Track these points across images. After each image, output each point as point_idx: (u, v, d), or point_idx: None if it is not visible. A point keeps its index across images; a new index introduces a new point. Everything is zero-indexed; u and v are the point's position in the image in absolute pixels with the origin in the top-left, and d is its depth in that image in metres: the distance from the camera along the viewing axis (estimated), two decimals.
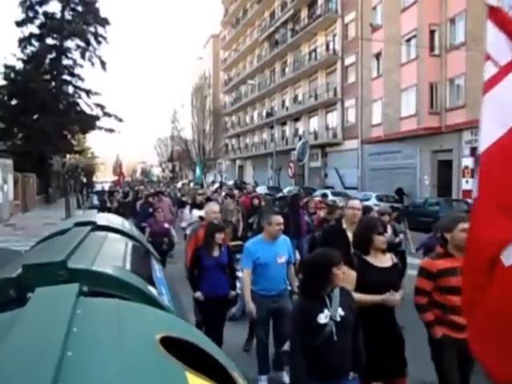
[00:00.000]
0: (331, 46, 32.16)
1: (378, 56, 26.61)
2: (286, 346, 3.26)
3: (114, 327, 0.90)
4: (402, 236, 7.67)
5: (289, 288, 4.84)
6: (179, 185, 34.10)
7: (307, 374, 2.76)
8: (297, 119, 37.97)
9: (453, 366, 3.28)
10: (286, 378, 4.42)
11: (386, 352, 3.27)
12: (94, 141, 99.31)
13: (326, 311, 2.81)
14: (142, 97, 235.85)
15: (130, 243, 2.05)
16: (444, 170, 22.70)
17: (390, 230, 6.53)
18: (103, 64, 33.36)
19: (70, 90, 33.44)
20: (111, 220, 2.60)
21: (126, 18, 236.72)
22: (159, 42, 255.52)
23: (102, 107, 33.43)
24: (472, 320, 2.55)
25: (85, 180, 42.70)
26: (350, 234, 4.40)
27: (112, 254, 1.69)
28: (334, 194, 24.46)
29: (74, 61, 32.93)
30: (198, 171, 30.57)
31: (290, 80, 37.60)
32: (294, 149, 25.75)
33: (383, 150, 26.69)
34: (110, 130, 34.07)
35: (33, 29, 31.53)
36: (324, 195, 17.04)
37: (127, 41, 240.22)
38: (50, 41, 31.94)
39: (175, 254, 9.82)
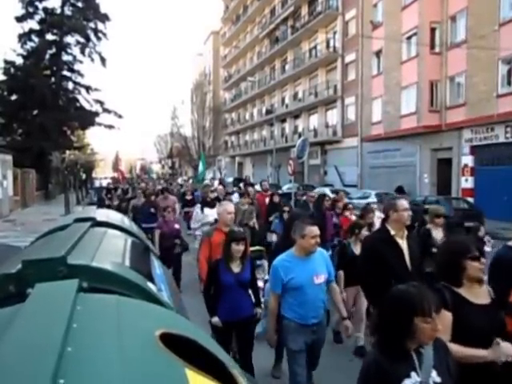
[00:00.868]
0: (331, 44, 32.09)
1: (378, 54, 26.57)
2: None
3: (114, 323, 0.90)
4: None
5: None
6: (179, 181, 33.99)
7: None
8: (296, 116, 37.93)
9: None
10: None
11: None
12: (93, 137, 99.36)
13: (414, 375, 1.99)
14: (142, 93, 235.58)
15: (130, 239, 2.05)
16: (444, 169, 22.71)
17: (440, 235, 5.74)
18: (103, 60, 33.33)
19: (70, 85, 33.44)
20: (111, 216, 2.60)
21: (126, 14, 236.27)
22: (159, 39, 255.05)
23: (101, 103, 33.41)
24: None
25: (84, 176, 42.65)
26: (399, 241, 3.92)
27: (111, 250, 1.69)
28: (334, 191, 24.46)
29: (74, 57, 32.93)
30: (200, 167, 30.20)
31: (290, 77, 37.55)
32: (293, 146, 25.73)
33: (383, 148, 26.68)
34: (110, 127, 34.03)
35: (33, 24, 31.53)
36: (336, 192, 16.25)
37: (127, 37, 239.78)
38: (49, 36, 31.92)
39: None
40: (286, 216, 7.27)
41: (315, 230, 3.68)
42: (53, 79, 32.23)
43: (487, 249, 6.36)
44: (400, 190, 21.51)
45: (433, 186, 23.51)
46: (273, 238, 7.17)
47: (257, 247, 5.95)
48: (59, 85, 32.05)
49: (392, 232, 3.96)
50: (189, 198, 14.12)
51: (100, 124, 33.81)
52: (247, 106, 49.15)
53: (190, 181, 31.33)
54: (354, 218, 7.91)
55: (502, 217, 16.18)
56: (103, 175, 72.22)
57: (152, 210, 10.52)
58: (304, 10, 35.24)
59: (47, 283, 1.08)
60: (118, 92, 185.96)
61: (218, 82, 57.06)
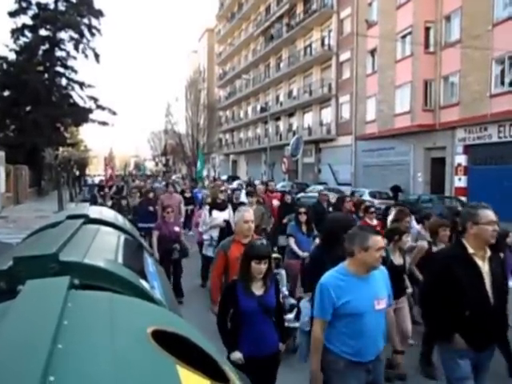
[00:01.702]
0: (326, 42, 32.15)
1: (372, 52, 26.63)
2: None
3: (105, 320, 0.90)
4: None
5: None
6: (174, 178, 33.84)
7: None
8: (291, 114, 37.97)
9: None
10: None
11: None
12: (87, 134, 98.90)
13: None
14: (136, 90, 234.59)
15: (123, 236, 2.05)
16: (437, 168, 22.84)
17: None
18: (97, 56, 33.13)
19: (63, 82, 33.21)
20: (104, 213, 2.59)
21: (121, 10, 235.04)
22: (154, 35, 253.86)
23: (95, 100, 33.23)
24: None
25: (77, 173, 42.43)
26: (479, 263, 3.14)
27: (104, 247, 1.69)
28: (328, 189, 24.54)
29: (68, 52, 32.71)
30: (199, 165, 29.95)
31: (284, 75, 37.57)
32: (287, 144, 25.79)
33: (377, 147, 26.78)
34: (103, 123, 33.87)
35: (26, 19, 31.30)
36: (352, 194, 15.59)
37: (121, 33, 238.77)
38: (43, 32, 31.68)
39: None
40: (302, 218, 6.72)
41: (381, 241, 2.97)
42: (46, 75, 32.00)
43: None
44: (396, 189, 21.70)
45: (426, 185, 23.63)
46: (290, 242, 6.67)
47: (275, 255, 5.25)
48: (52, 81, 31.84)
49: (470, 250, 3.16)
50: (187, 195, 13.93)
51: (93, 121, 33.64)
52: (242, 103, 49.12)
53: (186, 178, 31.17)
54: (374, 222, 7.31)
55: (495, 216, 16.27)
56: (97, 172, 71.95)
57: (150, 208, 10.08)
58: (299, 8, 35.25)
59: (38, 280, 1.07)
60: (112, 88, 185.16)
61: (212, 79, 56.97)
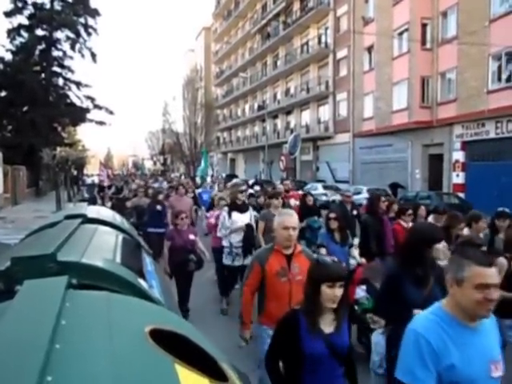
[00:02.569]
0: (323, 40, 32.12)
1: (369, 49, 26.62)
2: None
3: (103, 320, 0.90)
4: None
5: None
6: (172, 176, 33.69)
7: None
8: (289, 112, 37.95)
9: None
10: None
11: None
12: (84, 133, 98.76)
13: None
14: (133, 89, 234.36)
15: (121, 236, 2.04)
16: (435, 164, 22.86)
17: None
18: (93, 56, 33.05)
19: (60, 81, 33.15)
20: (101, 213, 2.59)
21: (117, 9, 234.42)
22: (150, 34, 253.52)
23: (92, 99, 33.18)
24: None
25: (75, 173, 42.35)
26: None
27: (102, 246, 1.69)
28: (326, 187, 24.56)
29: (64, 52, 32.62)
30: (202, 164, 29.50)
31: (281, 73, 37.53)
32: (285, 142, 25.77)
33: (374, 144, 26.79)
34: (101, 123, 33.82)
35: (22, 19, 31.20)
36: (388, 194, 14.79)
37: (118, 33, 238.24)
38: (39, 32, 31.58)
39: None
40: (333, 225, 5.83)
41: (489, 273, 1.90)
42: (43, 75, 31.93)
43: None
44: (395, 186, 21.69)
45: (424, 182, 23.66)
46: (322, 252, 5.46)
47: None
48: (49, 81, 31.76)
49: None
50: (190, 196, 13.10)
51: (91, 120, 33.58)
52: (239, 101, 49.09)
53: (183, 177, 31.04)
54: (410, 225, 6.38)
55: (493, 212, 16.31)
56: (95, 172, 71.83)
57: (158, 207, 9.23)
58: (296, 6, 35.21)
59: (36, 280, 1.07)
60: (109, 88, 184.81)
61: (209, 78, 56.91)
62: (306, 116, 35.02)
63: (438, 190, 20.98)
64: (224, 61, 52.47)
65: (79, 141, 58.11)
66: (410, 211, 6.57)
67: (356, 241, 6.79)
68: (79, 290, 1.07)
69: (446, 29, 21.87)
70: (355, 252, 6.18)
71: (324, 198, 19.07)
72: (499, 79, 18.89)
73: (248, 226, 6.69)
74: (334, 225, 5.82)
